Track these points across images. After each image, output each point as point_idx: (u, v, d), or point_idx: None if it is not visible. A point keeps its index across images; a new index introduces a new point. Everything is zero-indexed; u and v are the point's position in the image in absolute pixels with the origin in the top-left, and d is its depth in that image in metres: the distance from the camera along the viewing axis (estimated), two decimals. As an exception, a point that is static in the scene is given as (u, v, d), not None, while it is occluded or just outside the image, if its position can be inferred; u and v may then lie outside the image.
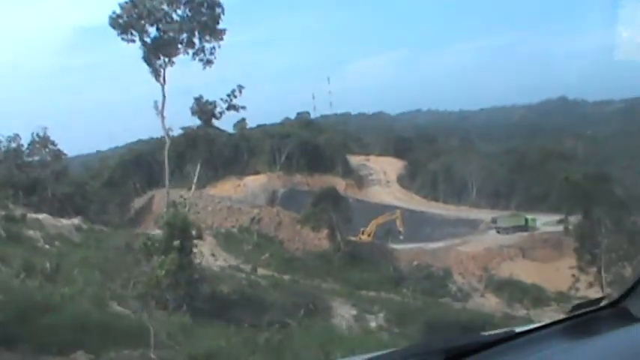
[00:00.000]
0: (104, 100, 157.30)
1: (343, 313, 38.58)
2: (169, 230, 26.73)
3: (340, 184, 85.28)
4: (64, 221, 43.13)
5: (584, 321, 2.93)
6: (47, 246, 34.15)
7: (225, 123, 59.58)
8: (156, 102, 47.39)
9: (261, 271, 50.52)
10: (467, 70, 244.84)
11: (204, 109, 50.73)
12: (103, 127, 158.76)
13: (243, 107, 51.31)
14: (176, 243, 24.94)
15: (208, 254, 47.50)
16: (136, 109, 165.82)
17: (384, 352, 2.73)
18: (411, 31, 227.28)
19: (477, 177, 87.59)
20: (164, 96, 46.64)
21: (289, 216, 72.76)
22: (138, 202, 78.23)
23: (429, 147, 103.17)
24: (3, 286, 18.81)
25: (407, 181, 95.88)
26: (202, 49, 46.16)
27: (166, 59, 45.80)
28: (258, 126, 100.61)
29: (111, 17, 44.93)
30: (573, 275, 51.40)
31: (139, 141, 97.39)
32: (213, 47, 46.53)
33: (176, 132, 59.69)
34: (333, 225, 65.38)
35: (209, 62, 46.52)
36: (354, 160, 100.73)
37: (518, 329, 2.83)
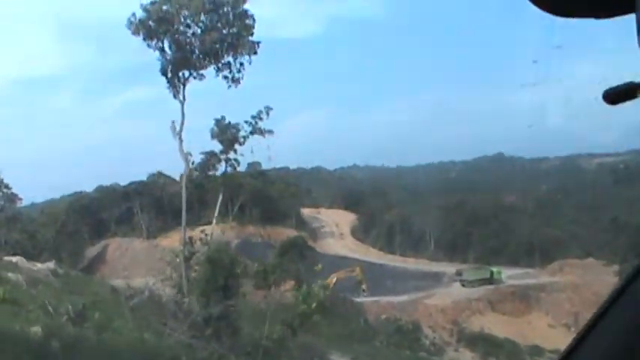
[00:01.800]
0: (40, 151, 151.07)
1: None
2: (212, 268, 24.13)
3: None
4: (39, 265, 39.98)
5: None
6: (33, 290, 31.04)
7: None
8: (173, 122, 42.43)
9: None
10: (401, 126, 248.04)
11: (225, 133, 45.51)
12: (38, 179, 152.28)
13: (270, 131, 45.57)
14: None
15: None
16: (71, 161, 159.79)
17: None
18: (343, 88, 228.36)
19: (433, 230, 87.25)
20: (183, 115, 41.54)
21: (250, 267, 70.04)
22: (90, 251, 74.51)
23: (380, 200, 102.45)
24: (76, 338, 16.21)
25: (361, 233, 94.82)
26: (229, 64, 40.94)
27: (187, 73, 40.44)
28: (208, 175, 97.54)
29: (131, 20, 39.60)
30: None
31: (76, 193, 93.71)
32: (242, 63, 41.41)
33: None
34: (300, 276, 63.19)
35: (235, 80, 41.43)
36: (305, 212, 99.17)
37: None
